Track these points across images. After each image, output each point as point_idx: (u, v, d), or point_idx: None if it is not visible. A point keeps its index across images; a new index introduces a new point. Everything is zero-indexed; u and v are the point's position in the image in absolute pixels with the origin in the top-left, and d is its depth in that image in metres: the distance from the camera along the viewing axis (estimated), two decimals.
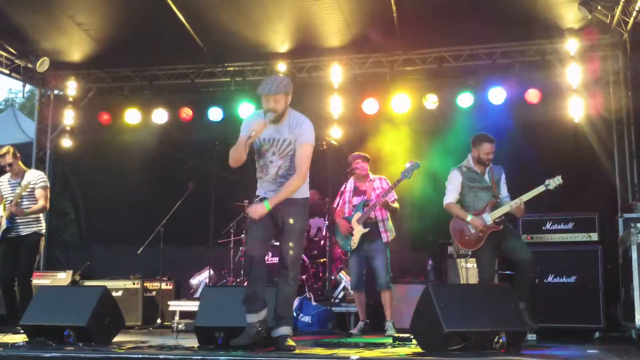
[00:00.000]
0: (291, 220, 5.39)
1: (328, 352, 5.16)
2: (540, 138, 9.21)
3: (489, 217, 6.48)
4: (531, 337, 6.15)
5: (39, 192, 7.70)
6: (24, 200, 7.63)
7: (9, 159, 7.72)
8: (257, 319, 5.32)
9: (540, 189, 6.40)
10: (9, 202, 7.67)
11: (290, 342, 5.22)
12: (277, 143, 5.42)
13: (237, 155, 5.35)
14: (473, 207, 6.61)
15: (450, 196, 6.71)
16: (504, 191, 6.71)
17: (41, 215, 7.84)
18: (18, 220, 7.61)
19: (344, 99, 10.02)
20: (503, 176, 6.76)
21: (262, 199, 5.39)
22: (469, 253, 7.25)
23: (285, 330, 5.32)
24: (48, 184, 7.86)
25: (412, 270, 8.95)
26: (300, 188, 5.39)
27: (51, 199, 10.92)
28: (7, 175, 7.86)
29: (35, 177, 7.75)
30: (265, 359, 4.73)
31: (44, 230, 7.84)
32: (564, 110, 9.15)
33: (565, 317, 6.76)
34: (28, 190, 7.62)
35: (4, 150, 7.78)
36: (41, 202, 7.70)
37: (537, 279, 6.79)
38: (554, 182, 6.37)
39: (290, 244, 5.38)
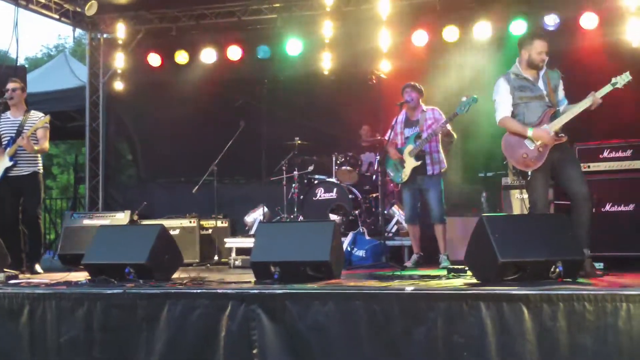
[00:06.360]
0: None
1: (383, 284, 5.18)
2: (596, 62, 8.89)
3: (550, 129, 5.69)
4: (598, 264, 5.99)
5: (41, 132, 7.54)
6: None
7: (19, 92, 7.59)
8: None
9: (607, 88, 5.61)
10: (6, 140, 7.50)
11: None
12: None
13: None
14: (524, 121, 5.81)
15: (503, 110, 5.89)
16: (561, 96, 5.90)
17: (39, 154, 7.67)
18: (20, 159, 7.47)
19: (392, 31, 9.71)
20: (561, 81, 5.92)
21: None
22: (524, 182, 6.92)
23: None
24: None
25: (466, 203, 8.91)
26: None
27: (106, 141, 11.29)
28: (8, 114, 7.67)
29: (39, 117, 7.57)
30: (321, 292, 4.75)
31: (42, 170, 7.71)
32: (622, 34, 8.73)
33: (624, 246, 6.63)
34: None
35: (18, 84, 7.64)
36: (46, 144, 7.60)
37: (595, 208, 6.62)
38: (622, 79, 5.59)
39: None
